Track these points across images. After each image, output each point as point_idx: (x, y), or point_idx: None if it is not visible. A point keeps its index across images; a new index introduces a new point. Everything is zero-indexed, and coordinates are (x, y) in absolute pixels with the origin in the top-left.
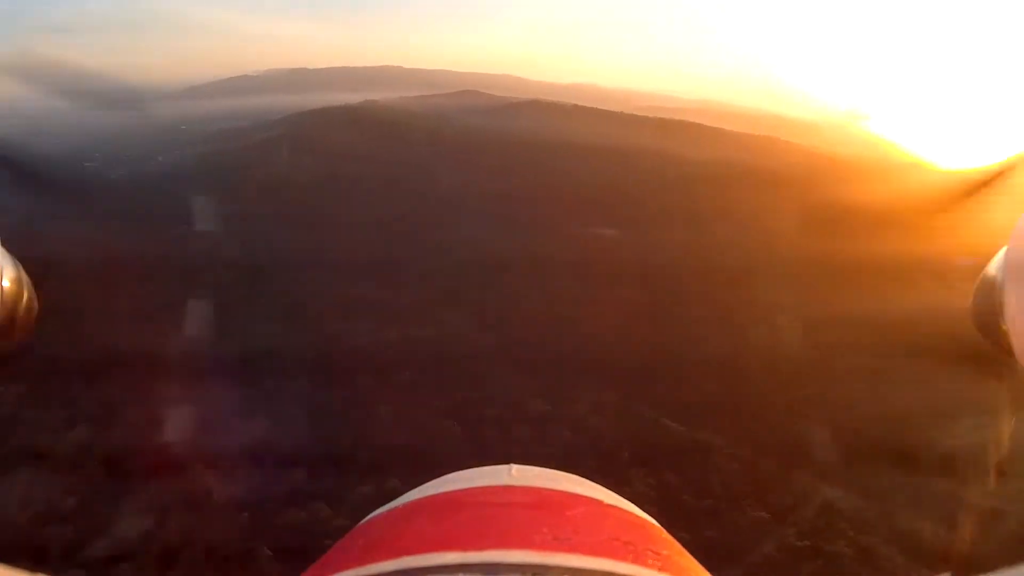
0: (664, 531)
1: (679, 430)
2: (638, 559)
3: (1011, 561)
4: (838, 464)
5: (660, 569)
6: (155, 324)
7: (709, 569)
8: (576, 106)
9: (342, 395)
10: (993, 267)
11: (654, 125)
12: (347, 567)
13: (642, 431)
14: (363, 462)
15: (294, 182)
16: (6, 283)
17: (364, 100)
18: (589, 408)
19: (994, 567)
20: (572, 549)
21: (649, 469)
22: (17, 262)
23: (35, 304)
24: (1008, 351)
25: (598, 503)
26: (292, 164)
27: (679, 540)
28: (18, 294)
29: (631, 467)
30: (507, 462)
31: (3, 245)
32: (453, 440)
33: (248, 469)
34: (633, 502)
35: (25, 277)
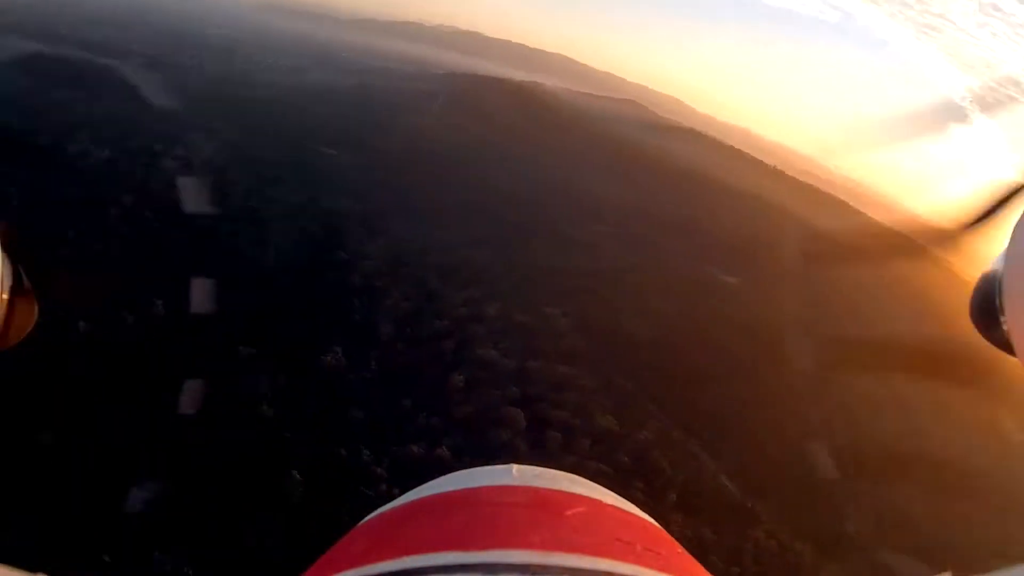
0: (664, 531)
1: None
2: (638, 559)
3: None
4: None
5: (660, 569)
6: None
7: (709, 569)
8: (731, 147)
9: None
10: (993, 266)
11: (801, 189)
12: (347, 567)
13: None
14: None
15: (437, 136)
16: (5, 295)
17: (530, 80)
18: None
19: (994, 567)
20: (572, 549)
21: None
22: (18, 266)
23: (34, 309)
24: (1008, 349)
25: (598, 503)
26: (441, 119)
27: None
28: (20, 299)
29: None
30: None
31: (3, 248)
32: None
33: None
34: None
35: (26, 283)
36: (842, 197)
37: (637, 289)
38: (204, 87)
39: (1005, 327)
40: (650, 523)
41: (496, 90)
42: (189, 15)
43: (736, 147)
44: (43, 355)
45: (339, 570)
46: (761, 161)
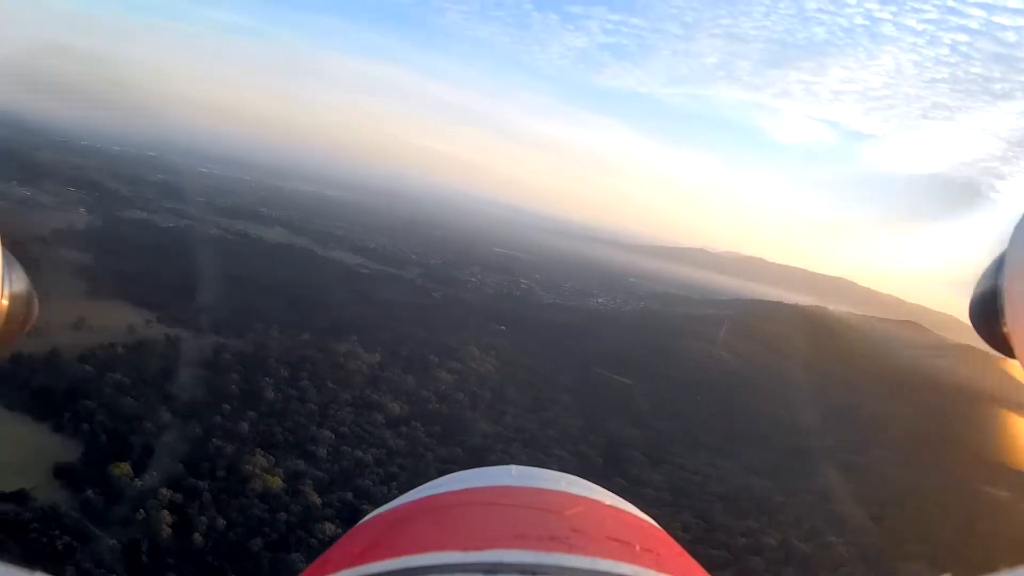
0: (663, 531)
1: None
2: (636, 559)
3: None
4: None
5: (659, 569)
6: None
7: (708, 569)
8: (1004, 359)
9: None
10: (992, 269)
11: None
12: (347, 566)
13: None
14: None
15: (720, 362)
16: (5, 301)
17: (815, 305)
18: None
19: (994, 569)
20: (571, 549)
21: None
22: (18, 265)
23: (35, 307)
24: (1008, 352)
25: (597, 503)
26: (728, 345)
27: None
28: (20, 301)
29: None
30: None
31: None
32: None
33: None
34: None
35: (28, 282)
36: None
37: (920, 515)
38: (485, 303)
39: (1005, 329)
40: (649, 524)
41: (780, 315)
42: (473, 232)
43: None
44: None
45: (338, 569)
46: None
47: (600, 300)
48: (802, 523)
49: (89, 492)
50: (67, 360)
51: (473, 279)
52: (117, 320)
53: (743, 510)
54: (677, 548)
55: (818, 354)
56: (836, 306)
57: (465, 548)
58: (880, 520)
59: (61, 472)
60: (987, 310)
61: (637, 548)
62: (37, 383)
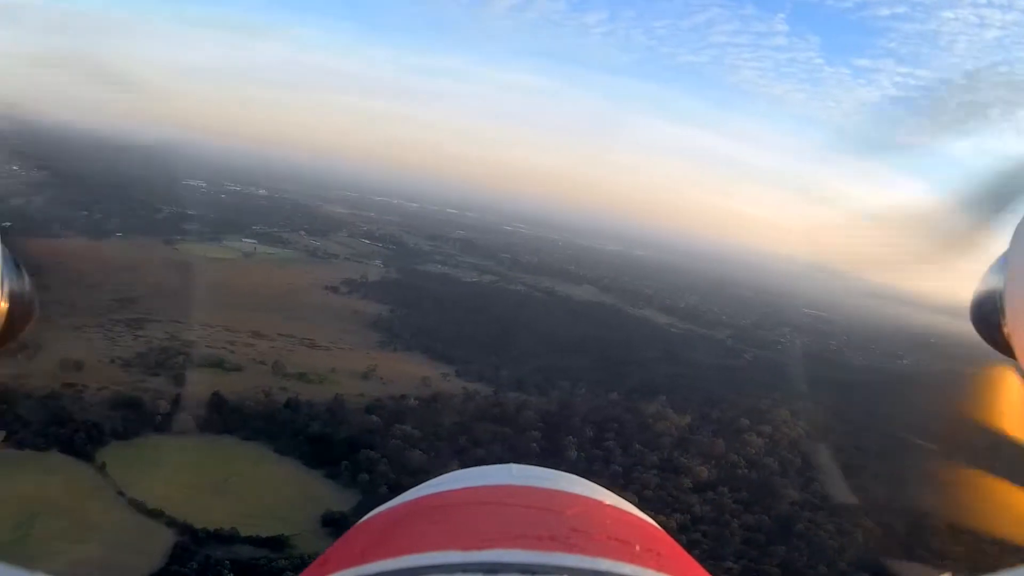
0: (663, 531)
1: None
2: (637, 559)
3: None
4: None
5: (659, 569)
6: None
7: (707, 569)
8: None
9: None
10: (993, 271)
11: None
12: (347, 566)
13: None
14: None
15: (963, 441)
16: (5, 302)
17: None
18: None
19: (994, 569)
20: (571, 549)
21: None
22: (22, 266)
23: (35, 308)
24: (1009, 352)
25: (597, 503)
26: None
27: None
28: (21, 303)
29: None
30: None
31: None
32: None
33: None
34: None
35: (29, 284)
36: None
37: None
38: (796, 365)
39: (1006, 330)
40: (650, 523)
41: None
42: (781, 293)
43: None
44: None
45: (338, 569)
46: None
47: (905, 361)
48: None
49: None
50: (352, 409)
51: (783, 340)
52: (411, 372)
53: None
54: (677, 548)
55: None
56: None
57: (465, 548)
58: None
59: (330, 521)
60: (988, 311)
61: (638, 548)
62: (314, 430)
